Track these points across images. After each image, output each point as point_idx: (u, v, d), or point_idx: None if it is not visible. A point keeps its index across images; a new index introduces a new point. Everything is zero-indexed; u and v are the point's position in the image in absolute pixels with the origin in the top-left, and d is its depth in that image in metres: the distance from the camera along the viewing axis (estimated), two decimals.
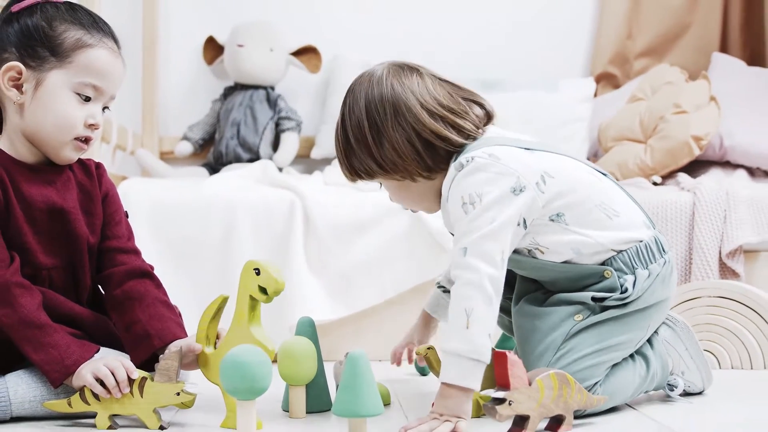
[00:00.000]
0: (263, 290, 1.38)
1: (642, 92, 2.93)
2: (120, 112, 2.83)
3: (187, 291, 2.19)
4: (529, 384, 1.30)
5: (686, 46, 3.28)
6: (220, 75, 3.20)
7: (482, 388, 1.41)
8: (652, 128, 2.78)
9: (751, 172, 2.77)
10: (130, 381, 1.38)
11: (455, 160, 1.47)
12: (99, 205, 1.57)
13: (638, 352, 1.52)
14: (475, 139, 1.50)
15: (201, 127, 3.10)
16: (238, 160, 2.96)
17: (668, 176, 2.75)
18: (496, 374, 1.28)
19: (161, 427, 1.38)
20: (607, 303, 1.46)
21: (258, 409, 1.32)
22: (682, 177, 2.66)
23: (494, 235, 1.38)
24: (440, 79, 1.56)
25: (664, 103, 2.79)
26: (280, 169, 2.90)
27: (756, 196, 2.40)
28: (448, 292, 1.63)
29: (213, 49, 3.16)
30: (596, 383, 1.45)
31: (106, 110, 1.53)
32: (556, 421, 1.35)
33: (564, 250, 1.48)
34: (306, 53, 3.12)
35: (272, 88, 3.10)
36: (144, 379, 1.38)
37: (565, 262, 1.49)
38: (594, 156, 2.99)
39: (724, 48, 3.29)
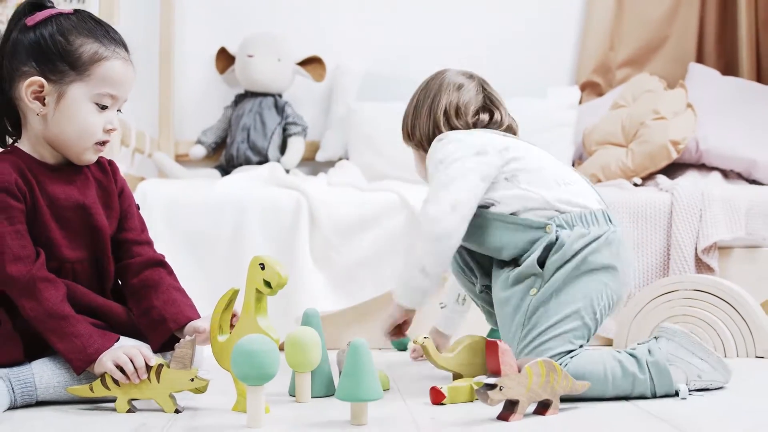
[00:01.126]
0: (268, 284, 1.39)
1: (624, 100, 2.93)
2: (138, 118, 2.83)
3: (200, 282, 2.18)
4: (519, 371, 1.30)
5: (665, 57, 3.28)
6: (231, 83, 3.20)
7: (471, 376, 1.43)
8: (633, 133, 2.78)
9: (725, 174, 2.76)
10: (148, 368, 1.39)
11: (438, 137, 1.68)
12: (116, 199, 1.59)
13: (629, 352, 1.50)
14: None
15: (214, 131, 3.10)
16: (248, 162, 2.96)
17: (648, 178, 2.75)
18: (488, 362, 1.28)
19: (176, 411, 1.38)
20: (550, 262, 1.50)
21: (266, 394, 1.32)
22: (661, 178, 2.66)
23: (445, 186, 1.55)
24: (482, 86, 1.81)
25: (644, 109, 2.79)
26: (287, 171, 2.89)
27: (729, 197, 2.40)
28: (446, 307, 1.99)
29: (225, 59, 3.16)
30: (561, 354, 1.46)
31: (119, 112, 1.55)
32: (544, 406, 1.35)
33: (512, 202, 1.56)
34: (311, 63, 3.12)
35: (280, 96, 3.09)
36: (161, 366, 1.39)
37: (512, 214, 1.56)
38: (579, 159, 2.98)
39: (700, 59, 3.29)
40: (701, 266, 2.33)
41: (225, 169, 3.00)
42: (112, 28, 1.52)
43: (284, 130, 3.05)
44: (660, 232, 2.37)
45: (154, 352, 1.51)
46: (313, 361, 1.49)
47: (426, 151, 1.71)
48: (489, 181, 1.57)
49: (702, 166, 2.79)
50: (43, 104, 1.45)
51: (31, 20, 1.46)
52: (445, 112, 1.72)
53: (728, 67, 3.28)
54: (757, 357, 2.02)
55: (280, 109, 3.06)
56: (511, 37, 3.25)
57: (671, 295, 2.10)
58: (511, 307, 1.53)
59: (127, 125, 2.50)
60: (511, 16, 3.26)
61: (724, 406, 1.43)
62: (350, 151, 2.94)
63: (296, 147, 3.02)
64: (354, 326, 2.29)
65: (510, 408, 1.30)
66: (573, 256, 1.50)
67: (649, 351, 1.49)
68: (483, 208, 1.58)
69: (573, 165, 2.95)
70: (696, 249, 2.33)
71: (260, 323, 1.39)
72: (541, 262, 1.51)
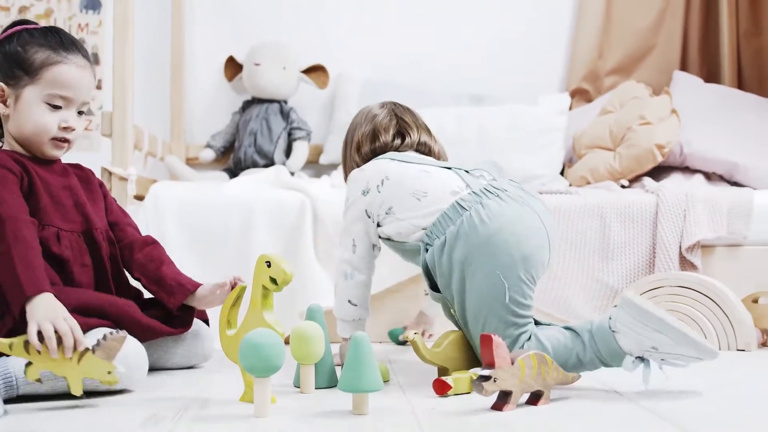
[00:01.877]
0: (274, 281, 1.39)
1: (611, 106, 2.93)
2: (151, 123, 2.84)
3: (209, 279, 2.18)
4: (512, 363, 1.30)
5: (650, 65, 3.28)
6: (239, 90, 3.20)
7: (455, 369, 1.47)
8: (620, 137, 2.78)
9: (708, 176, 2.76)
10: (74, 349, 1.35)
11: None
12: (97, 189, 1.73)
13: (568, 328, 1.52)
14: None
15: (222, 136, 3.10)
16: (255, 165, 2.96)
17: (635, 180, 2.75)
18: (483, 355, 1.29)
19: (81, 396, 1.36)
20: (440, 284, 1.59)
21: (272, 385, 1.32)
22: (647, 180, 2.66)
23: (347, 229, 1.73)
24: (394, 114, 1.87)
25: (631, 115, 2.79)
26: (292, 174, 2.90)
27: (712, 198, 2.40)
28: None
29: (233, 67, 3.16)
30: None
31: (83, 114, 1.64)
32: (536, 396, 1.35)
33: (394, 233, 1.67)
34: (315, 71, 3.12)
35: (285, 102, 3.09)
36: (87, 349, 1.35)
37: (396, 242, 1.68)
38: (569, 162, 2.98)
39: (684, 67, 3.29)
40: (685, 264, 2.33)
41: (233, 172, 3.00)
42: (73, 40, 1.64)
43: (289, 134, 3.05)
44: (646, 232, 2.37)
45: (174, 314, 1.67)
46: (317, 354, 1.49)
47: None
48: (374, 217, 1.70)
49: (686, 169, 2.79)
50: (6, 106, 1.59)
51: (1, 36, 1.62)
52: (358, 144, 1.84)
53: (711, 75, 3.28)
54: (738, 350, 2.02)
55: (285, 115, 3.06)
56: (504, 47, 3.25)
57: (657, 291, 2.10)
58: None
59: (140, 130, 2.50)
60: (504, 28, 3.26)
61: (701, 395, 1.43)
62: None
63: (301, 150, 3.02)
64: None
65: (503, 398, 1.31)
66: (449, 269, 1.55)
67: (593, 322, 1.49)
68: (388, 240, 1.71)
69: (563, 168, 2.95)
70: (680, 247, 2.33)
71: (266, 318, 1.40)
72: (434, 287, 1.62)
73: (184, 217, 2.32)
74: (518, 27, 3.27)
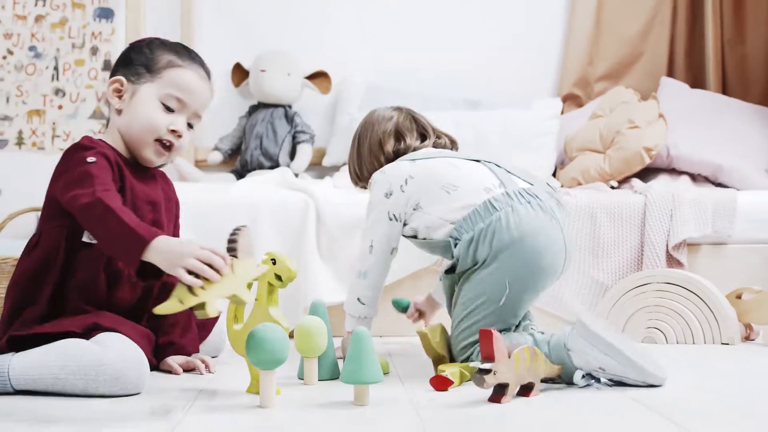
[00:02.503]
0: (279, 277, 1.39)
1: (601, 110, 2.92)
2: None
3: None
4: (509, 357, 1.30)
5: (639, 71, 3.28)
6: (245, 95, 3.20)
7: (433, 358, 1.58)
8: (610, 140, 2.78)
9: (694, 177, 2.76)
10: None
11: None
12: (173, 207, 1.69)
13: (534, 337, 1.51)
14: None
15: (229, 139, 3.10)
16: (260, 167, 2.96)
17: (624, 181, 2.74)
18: (482, 348, 1.28)
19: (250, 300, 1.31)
20: (458, 273, 1.59)
21: (277, 377, 1.32)
22: (635, 182, 2.66)
23: (368, 230, 1.69)
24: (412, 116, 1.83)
25: (620, 119, 2.79)
26: (296, 175, 2.89)
27: (697, 198, 2.40)
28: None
29: (240, 73, 3.16)
30: (470, 344, 1.53)
31: (191, 128, 1.59)
32: (527, 388, 1.35)
33: (421, 229, 1.64)
34: (318, 77, 3.12)
35: (290, 107, 3.09)
36: (232, 258, 1.30)
37: (423, 239, 1.64)
38: (561, 164, 2.98)
39: (670, 73, 3.29)
40: (672, 261, 2.33)
41: (240, 174, 3.00)
42: (198, 55, 1.61)
43: (294, 137, 3.04)
44: (634, 230, 2.37)
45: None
46: (320, 348, 1.49)
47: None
48: (400, 217, 1.67)
49: (672, 171, 2.79)
50: (121, 100, 1.55)
51: (134, 42, 1.63)
52: (380, 143, 1.78)
53: (696, 80, 3.28)
54: (722, 344, 2.02)
55: (289, 119, 3.06)
56: (500, 54, 3.25)
57: (645, 287, 2.10)
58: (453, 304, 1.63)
59: None
60: (499, 36, 3.26)
61: (687, 386, 1.43)
62: None
63: (304, 153, 3.02)
64: None
65: (500, 391, 1.31)
66: (471, 263, 1.55)
67: (553, 335, 1.49)
68: (413, 237, 1.68)
69: (555, 170, 2.95)
70: (667, 245, 2.33)
71: (272, 313, 1.40)
72: (447, 270, 1.63)
73: (193, 216, 2.32)
74: (512, 36, 3.27)
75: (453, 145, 1.84)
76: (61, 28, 3.13)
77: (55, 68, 3.12)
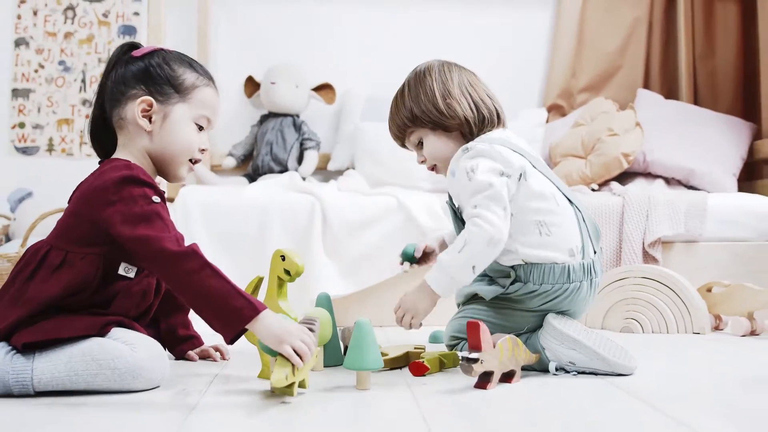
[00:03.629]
0: (287, 272, 1.39)
1: (583, 119, 2.93)
2: None
3: (231, 272, 2.16)
4: (493, 347, 1.30)
5: (617, 84, 3.28)
6: (257, 106, 3.20)
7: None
8: (591, 147, 2.78)
9: (668, 181, 2.77)
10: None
11: (464, 146, 1.49)
12: None
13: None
14: (493, 127, 1.53)
15: (242, 146, 3.10)
16: (270, 171, 2.96)
17: (603, 184, 2.75)
18: (469, 339, 1.28)
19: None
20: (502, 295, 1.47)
21: None
22: (614, 185, 2.66)
23: (495, 196, 1.39)
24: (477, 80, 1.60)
25: (600, 127, 2.79)
26: (304, 179, 2.90)
27: (671, 200, 2.40)
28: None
29: (251, 85, 3.16)
30: (462, 338, 1.49)
31: None
32: (508, 375, 1.35)
33: None
34: (324, 89, 3.12)
35: (297, 116, 3.09)
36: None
37: None
38: None
39: (646, 85, 3.29)
40: (648, 258, 2.33)
41: (252, 177, 3.00)
42: (204, 67, 1.47)
43: (301, 144, 3.04)
44: (613, 229, 2.37)
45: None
46: (326, 337, 1.49)
47: (443, 128, 1.52)
48: (510, 199, 1.43)
49: (648, 175, 2.79)
50: (150, 122, 1.38)
51: (137, 52, 1.41)
52: (470, 85, 1.54)
53: (670, 92, 3.28)
54: (694, 333, 2.02)
55: (297, 127, 3.06)
56: (489, 67, 3.22)
57: (623, 281, 2.10)
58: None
59: None
60: (490, 51, 3.26)
61: (661, 372, 1.43)
62: (356, 162, 2.94)
63: (311, 158, 3.02)
64: (358, 307, 2.29)
65: (485, 378, 1.30)
66: (512, 300, 1.46)
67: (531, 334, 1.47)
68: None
69: None
70: (643, 243, 2.33)
71: (281, 305, 1.39)
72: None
73: (209, 217, 2.32)
74: (501, 51, 3.27)
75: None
76: (88, 44, 3.13)
77: (83, 81, 3.12)
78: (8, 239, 2.72)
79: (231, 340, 1.22)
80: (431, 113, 1.51)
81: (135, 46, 1.44)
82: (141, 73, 1.39)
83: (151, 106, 1.38)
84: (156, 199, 1.30)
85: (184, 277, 1.21)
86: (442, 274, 1.39)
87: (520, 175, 1.44)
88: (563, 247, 1.43)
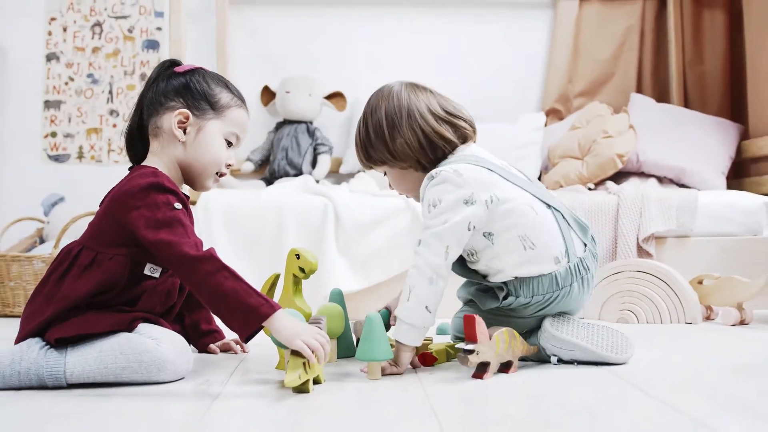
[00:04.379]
0: (302, 270, 1.39)
1: (579, 122, 2.92)
2: None
3: (249, 269, 2.19)
4: (490, 338, 1.29)
5: (611, 89, 3.27)
6: (273, 113, 3.20)
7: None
8: (587, 148, 2.77)
9: (660, 180, 2.75)
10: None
11: (430, 173, 1.38)
12: None
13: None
14: (454, 149, 1.43)
15: (260, 151, 3.11)
16: (286, 175, 2.97)
17: (599, 183, 2.74)
18: (466, 332, 1.27)
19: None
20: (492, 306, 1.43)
21: None
22: (610, 184, 2.66)
23: (441, 234, 1.32)
24: (440, 96, 1.50)
25: (595, 130, 2.78)
26: (317, 182, 2.90)
27: (663, 198, 2.39)
28: None
29: (267, 94, 3.17)
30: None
31: None
32: (506, 366, 1.34)
33: (482, 265, 1.42)
34: (335, 97, 3.12)
35: (311, 123, 3.10)
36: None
37: (474, 270, 1.44)
38: (545, 170, 2.98)
39: (639, 90, 3.28)
40: (642, 252, 2.32)
41: (269, 181, 3.01)
42: (236, 87, 1.48)
43: (315, 149, 3.05)
44: (609, 226, 2.36)
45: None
46: (339, 330, 1.49)
47: (413, 166, 1.44)
48: (478, 228, 1.36)
49: (642, 174, 2.78)
50: (185, 133, 1.39)
51: (179, 69, 1.43)
52: (430, 112, 1.43)
53: (662, 96, 3.26)
54: (686, 323, 2.01)
55: (311, 133, 3.06)
56: (491, 75, 3.25)
57: (618, 275, 2.10)
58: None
59: None
60: (491, 60, 3.26)
61: (655, 360, 1.43)
62: None
63: (324, 162, 3.02)
64: (369, 302, 2.29)
65: (482, 369, 1.30)
66: (509, 310, 1.42)
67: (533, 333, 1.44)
68: (466, 258, 1.44)
69: (540, 175, 2.94)
70: (637, 239, 2.32)
71: (296, 301, 1.40)
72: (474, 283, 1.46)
73: (229, 218, 2.33)
74: (502, 60, 3.27)
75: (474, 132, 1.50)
76: (114, 57, 3.15)
77: (110, 92, 3.14)
78: (42, 241, 2.74)
79: (247, 338, 1.22)
80: (383, 154, 1.43)
81: (176, 63, 1.46)
82: (181, 88, 1.40)
83: (187, 118, 1.39)
84: (178, 205, 1.30)
85: (202, 279, 1.22)
86: (404, 326, 1.33)
87: (491, 197, 1.35)
88: (547, 256, 1.37)
